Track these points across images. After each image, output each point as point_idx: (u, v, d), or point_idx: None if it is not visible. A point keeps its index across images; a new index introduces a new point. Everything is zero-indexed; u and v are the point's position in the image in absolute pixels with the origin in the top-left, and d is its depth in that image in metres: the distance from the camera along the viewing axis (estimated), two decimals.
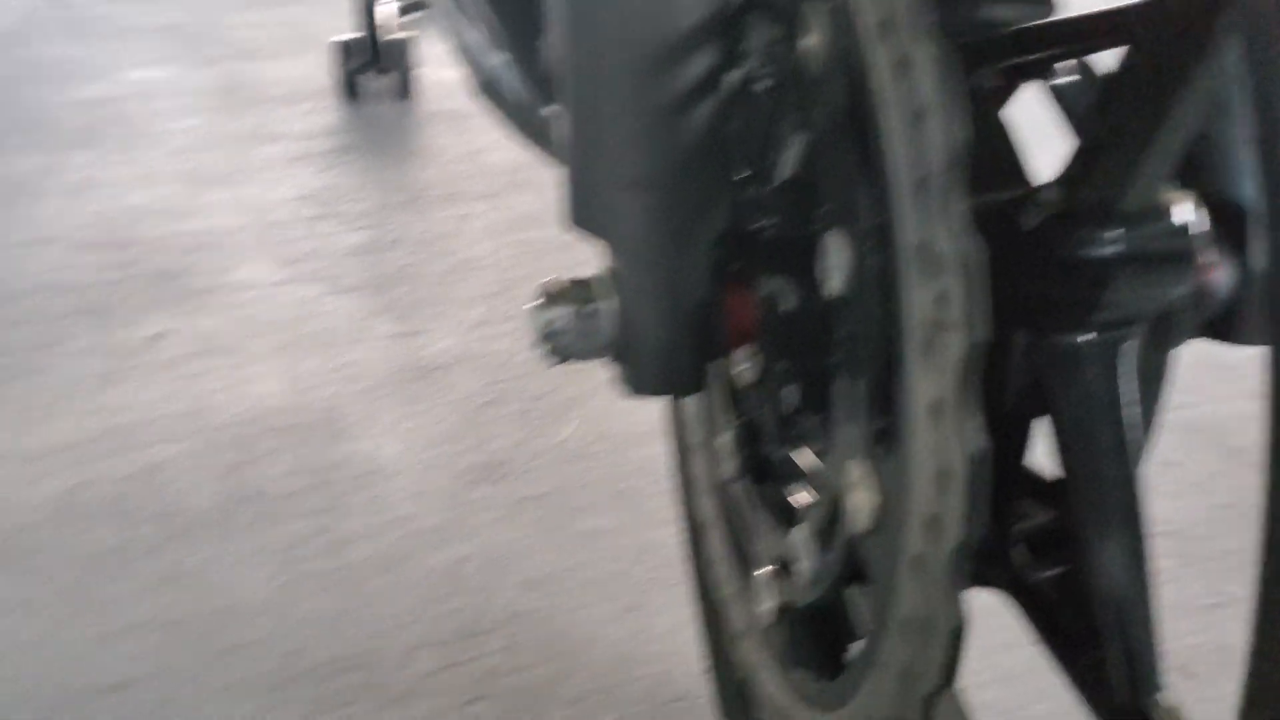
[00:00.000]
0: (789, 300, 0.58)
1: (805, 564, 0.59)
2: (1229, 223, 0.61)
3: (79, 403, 1.49)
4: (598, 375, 1.50)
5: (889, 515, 0.49)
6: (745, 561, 0.74)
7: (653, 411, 1.42)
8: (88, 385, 1.53)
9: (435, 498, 1.30)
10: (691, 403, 0.82)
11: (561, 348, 0.62)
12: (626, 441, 1.38)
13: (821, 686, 0.61)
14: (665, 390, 0.62)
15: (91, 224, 1.98)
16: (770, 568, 0.67)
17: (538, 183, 2.02)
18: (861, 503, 0.51)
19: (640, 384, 0.62)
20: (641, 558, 1.20)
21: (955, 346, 0.42)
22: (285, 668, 1.08)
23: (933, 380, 0.44)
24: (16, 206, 2.06)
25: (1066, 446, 0.54)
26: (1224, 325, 0.63)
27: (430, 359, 1.57)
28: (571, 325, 0.61)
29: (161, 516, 1.29)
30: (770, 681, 0.68)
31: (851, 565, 0.55)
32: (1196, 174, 0.57)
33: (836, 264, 0.52)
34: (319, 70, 2.61)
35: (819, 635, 0.66)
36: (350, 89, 2.49)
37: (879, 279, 0.48)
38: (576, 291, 0.62)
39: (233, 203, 2.05)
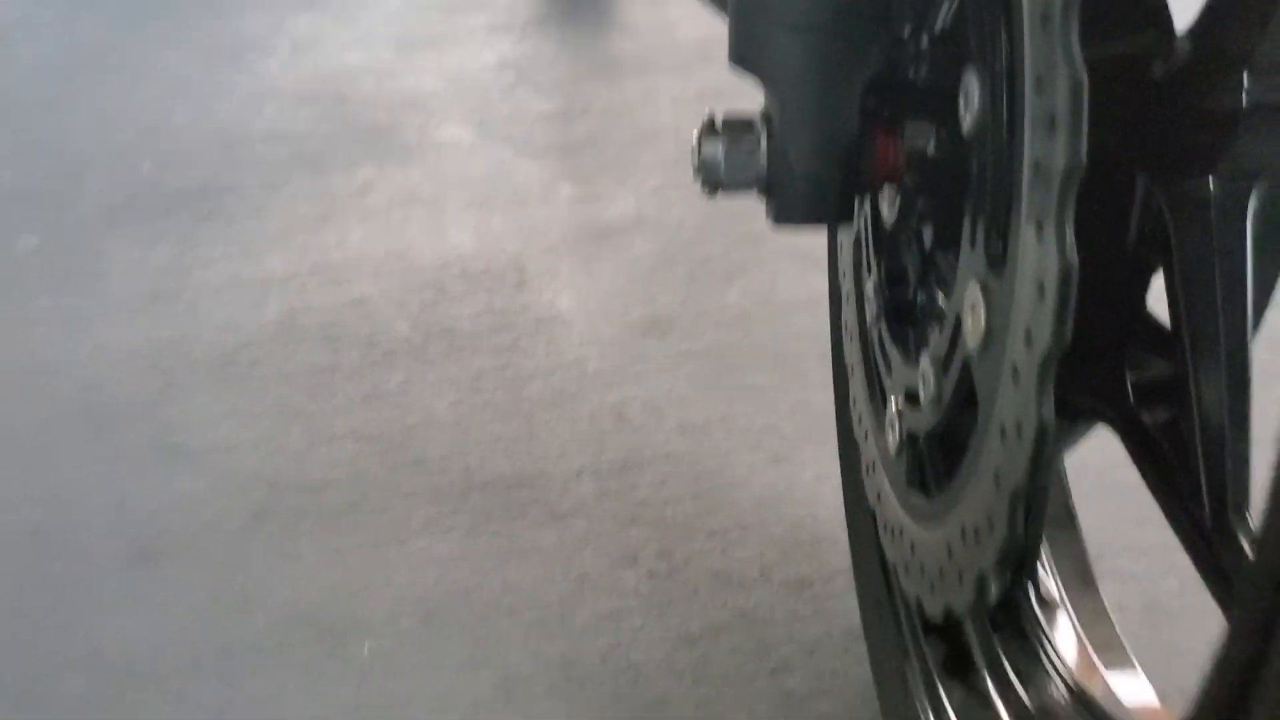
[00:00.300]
0: (930, 142, 0.63)
1: (927, 390, 0.65)
2: None
3: (297, 239, 1.65)
4: (765, 245, 1.55)
5: (995, 332, 0.53)
6: (882, 398, 0.79)
7: (815, 282, 1.47)
8: (305, 224, 1.68)
9: (604, 345, 1.40)
10: (846, 252, 0.87)
11: (717, 178, 0.68)
12: (788, 308, 1.44)
13: (932, 504, 0.66)
14: (811, 219, 0.68)
15: (312, 80, 2.13)
16: (898, 402, 0.72)
17: (725, 57, 2.05)
18: (976, 323, 0.55)
19: (788, 213, 0.68)
20: (794, 414, 1.27)
21: (1058, 168, 0.46)
22: (462, 481, 1.21)
23: (1036, 201, 0.48)
24: (247, 62, 2.23)
25: (1180, 292, 0.57)
26: None
27: (608, 221, 1.65)
28: (727, 157, 0.67)
29: (365, 344, 1.43)
30: (890, 506, 0.74)
31: (965, 387, 0.60)
32: None
33: (970, 104, 0.56)
34: None
35: (934, 460, 0.71)
36: None
37: (1002, 110, 0.52)
38: (734, 126, 0.68)
39: (438, 67, 2.16)
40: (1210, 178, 0.55)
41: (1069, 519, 0.91)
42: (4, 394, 1.41)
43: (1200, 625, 0.99)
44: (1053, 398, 0.49)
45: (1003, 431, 0.53)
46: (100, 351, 1.45)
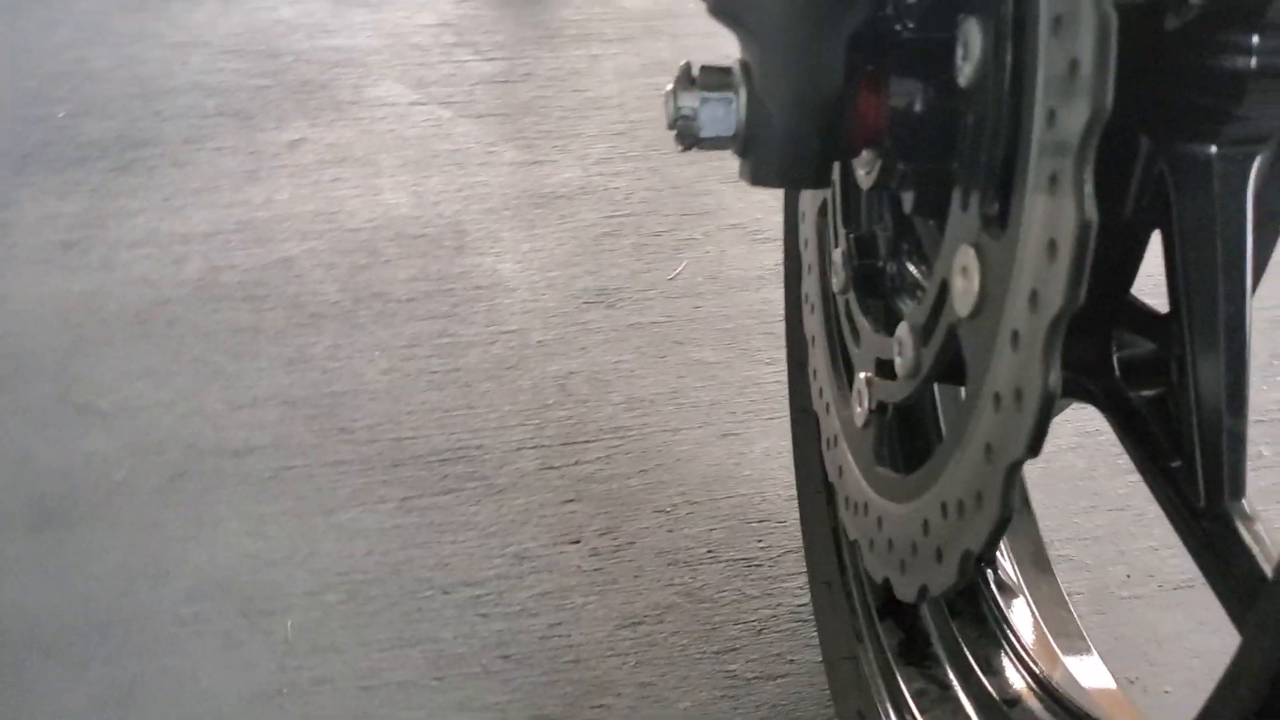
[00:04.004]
0: (918, 99, 0.59)
1: (904, 358, 0.61)
2: None
3: (222, 195, 1.57)
4: (714, 220, 1.52)
5: (991, 297, 0.50)
6: (846, 370, 0.76)
7: (764, 258, 1.44)
8: (230, 181, 1.60)
9: (548, 315, 1.35)
10: (809, 221, 0.84)
11: (691, 132, 0.64)
12: (737, 284, 1.40)
13: (904, 480, 0.63)
14: (787, 182, 0.64)
15: (242, 33, 2.04)
16: (867, 373, 0.69)
17: (671, 31, 2.01)
18: (967, 288, 0.52)
19: (764, 174, 0.63)
20: (743, 390, 1.23)
21: (1080, 116, 0.43)
22: (394, 451, 1.15)
23: (1050, 155, 0.45)
24: (171, 10, 2.13)
25: (1180, 259, 0.54)
26: None
27: (553, 187, 1.60)
28: (703, 110, 0.63)
29: (291, 305, 1.36)
30: (854, 481, 0.71)
31: (947, 356, 0.57)
32: None
33: (970, 54, 0.53)
34: None
35: (905, 434, 0.68)
36: None
37: (1007, 58, 0.48)
38: (711, 77, 0.63)
39: (376, 24, 2.09)
40: (1214, 143, 0.53)
41: (1024, 503, 0.89)
42: None
43: (1148, 613, 0.98)
44: (1059, 363, 0.46)
45: (998, 400, 0.50)
46: (4, 303, 1.36)
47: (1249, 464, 1.19)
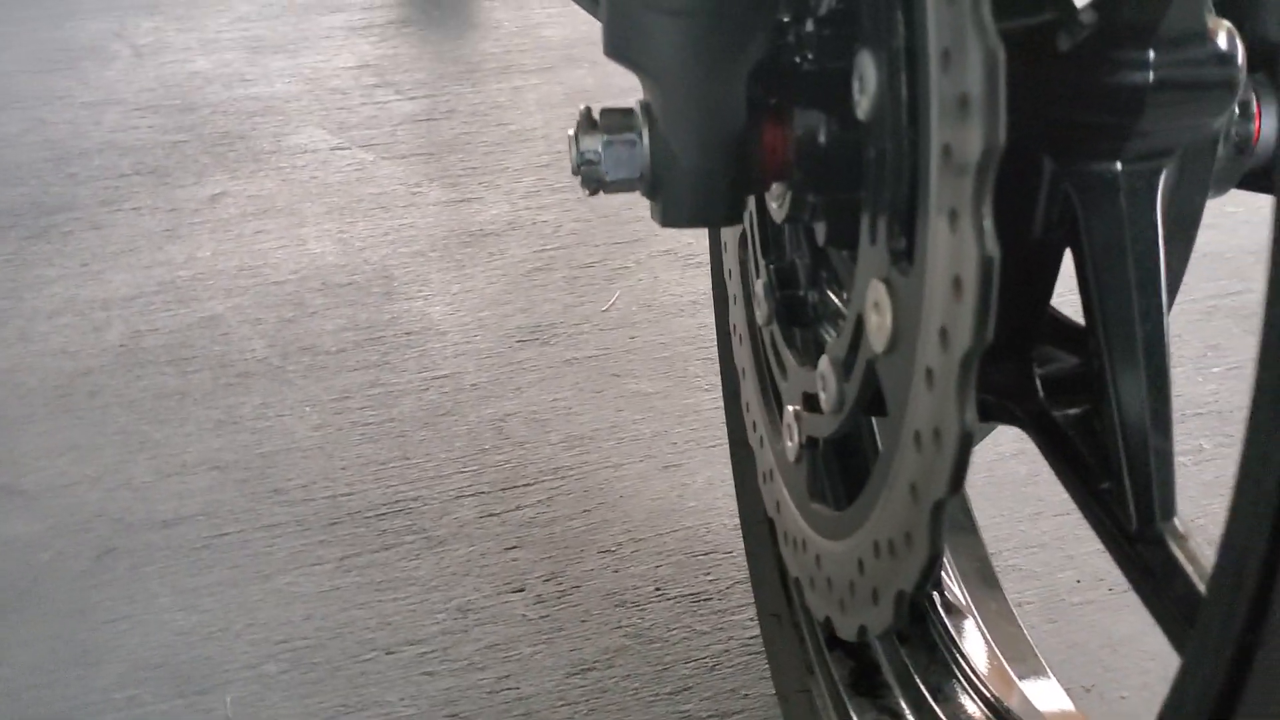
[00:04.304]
0: (822, 131, 0.58)
1: (827, 394, 0.60)
2: (1275, 68, 0.59)
3: (141, 257, 1.53)
4: (645, 248, 1.51)
5: (904, 333, 0.49)
6: (777, 402, 0.75)
7: (699, 284, 1.43)
8: (150, 241, 1.57)
9: (481, 357, 1.33)
10: (731, 252, 0.83)
11: (596, 176, 0.63)
12: (671, 312, 1.39)
13: (838, 517, 0.62)
14: (697, 222, 0.63)
15: (156, 88, 2.00)
16: (795, 407, 0.68)
17: (592, 58, 2.00)
18: (880, 323, 0.51)
19: (674, 215, 0.62)
20: (682, 420, 1.22)
21: (974, 151, 0.42)
22: (329, 509, 1.13)
23: (950, 187, 0.44)
24: (82, 69, 2.08)
25: (1092, 279, 0.53)
26: (1265, 177, 0.62)
27: (480, 225, 1.58)
28: (607, 153, 0.62)
29: (218, 366, 1.33)
30: (791, 517, 0.69)
31: (870, 391, 0.56)
32: (1241, 17, 0.55)
33: (866, 88, 0.52)
34: None
35: (837, 469, 0.67)
36: None
37: (902, 92, 0.48)
38: (613, 119, 0.62)
39: (294, 70, 2.06)
40: (1118, 160, 0.52)
41: (968, 521, 0.88)
42: None
43: (1101, 618, 0.98)
44: (974, 401, 0.44)
45: (918, 439, 0.49)
46: None
47: (1192, 458, 1.20)
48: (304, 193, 1.67)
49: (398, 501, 1.13)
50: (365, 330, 1.38)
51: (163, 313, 1.42)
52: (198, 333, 1.38)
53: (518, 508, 1.12)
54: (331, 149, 1.79)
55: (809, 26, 0.60)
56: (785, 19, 0.61)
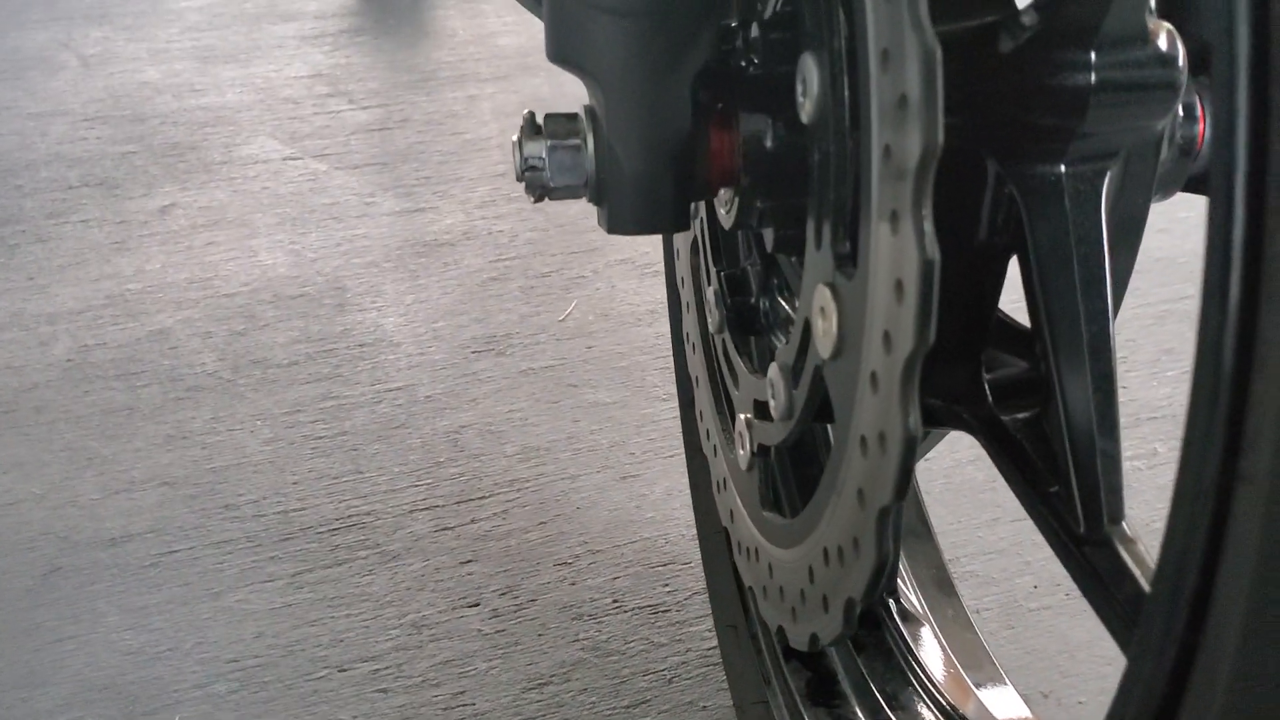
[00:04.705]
0: (768, 135, 0.58)
1: (777, 401, 0.60)
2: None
3: (89, 270, 1.51)
4: (601, 256, 1.50)
5: (849, 337, 0.49)
6: (730, 411, 0.74)
7: (655, 292, 1.42)
8: (98, 253, 1.54)
9: (436, 369, 1.31)
10: (683, 259, 0.82)
11: (540, 182, 0.62)
12: (627, 321, 1.38)
13: (789, 525, 0.61)
14: (644, 228, 0.62)
15: (104, 98, 1.97)
16: (747, 415, 0.67)
17: (547, 66, 1.99)
18: (826, 329, 0.50)
19: (620, 221, 0.61)
20: (640, 430, 1.21)
21: (913, 152, 0.41)
22: (281, 525, 1.11)
23: (889, 191, 0.43)
24: (28, 79, 2.05)
25: (1038, 282, 0.53)
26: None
27: (435, 235, 1.57)
28: (551, 159, 0.61)
29: (167, 380, 1.31)
30: (744, 526, 0.69)
31: (818, 397, 0.55)
32: (1182, 20, 0.55)
33: (809, 90, 0.51)
34: None
35: (792, 477, 0.66)
36: None
37: (843, 93, 0.47)
38: (557, 125, 0.61)
39: (245, 80, 2.03)
40: (1062, 162, 0.52)
41: (924, 527, 0.88)
42: None
43: (1058, 623, 0.98)
44: (918, 405, 0.44)
45: (864, 444, 0.48)
46: None
47: (1146, 462, 1.20)
48: (255, 204, 1.65)
49: (351, 516, 1.11)
50: (317, 342, 1.36)
51: (111, 326, 1.40)
52: (147, 346, 1.36)
53: (473, 521, 1.11)
54: (283, 159, 1.77)
55: (754, 30, 0.59)
56: (732, 23, 0.61)
